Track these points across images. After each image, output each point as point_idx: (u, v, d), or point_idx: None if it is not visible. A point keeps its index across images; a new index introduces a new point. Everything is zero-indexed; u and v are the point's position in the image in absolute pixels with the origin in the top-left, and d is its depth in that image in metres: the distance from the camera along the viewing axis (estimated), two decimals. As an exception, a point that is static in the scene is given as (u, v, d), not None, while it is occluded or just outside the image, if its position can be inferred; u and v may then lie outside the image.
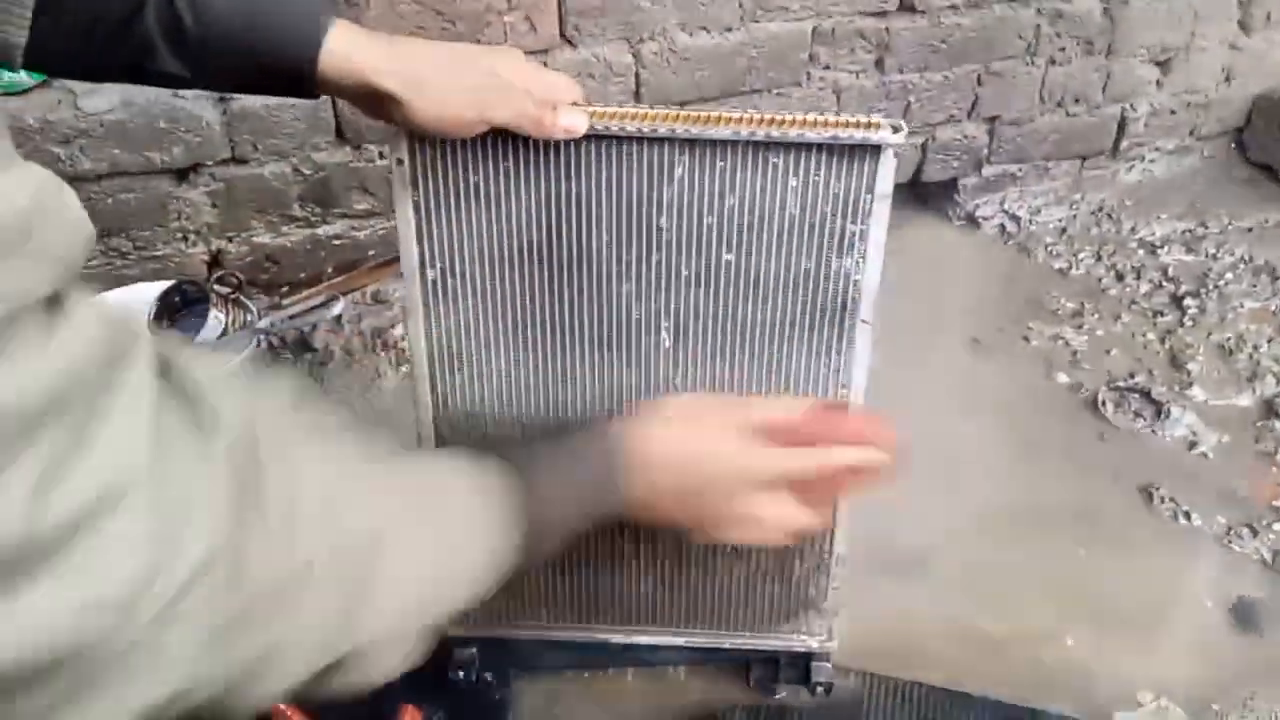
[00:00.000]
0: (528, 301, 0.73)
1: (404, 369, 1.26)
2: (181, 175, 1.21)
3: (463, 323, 0.74)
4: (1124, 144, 1.64)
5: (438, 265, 0.72)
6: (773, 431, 0.63)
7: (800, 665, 0.88)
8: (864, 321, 0.72)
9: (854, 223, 0.69)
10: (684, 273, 0.71)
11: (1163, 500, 1.13)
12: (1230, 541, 1.09)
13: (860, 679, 0.92)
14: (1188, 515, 1.12)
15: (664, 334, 0.73)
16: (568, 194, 0.69)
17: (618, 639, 0.86)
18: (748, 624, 0.85)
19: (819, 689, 0.87)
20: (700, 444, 0.62)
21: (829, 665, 0.87)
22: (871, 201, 0.68)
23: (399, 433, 1.15)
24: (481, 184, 0.69)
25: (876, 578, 1.02)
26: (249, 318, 1.16)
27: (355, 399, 1.22)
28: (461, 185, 0.69)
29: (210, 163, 1.21)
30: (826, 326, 0.73)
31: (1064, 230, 1.59)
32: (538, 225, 0.70)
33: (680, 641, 0.86)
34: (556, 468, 0.59)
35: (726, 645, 0.86)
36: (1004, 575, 1.04)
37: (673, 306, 0.72)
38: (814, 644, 0.86)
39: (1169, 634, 1.00)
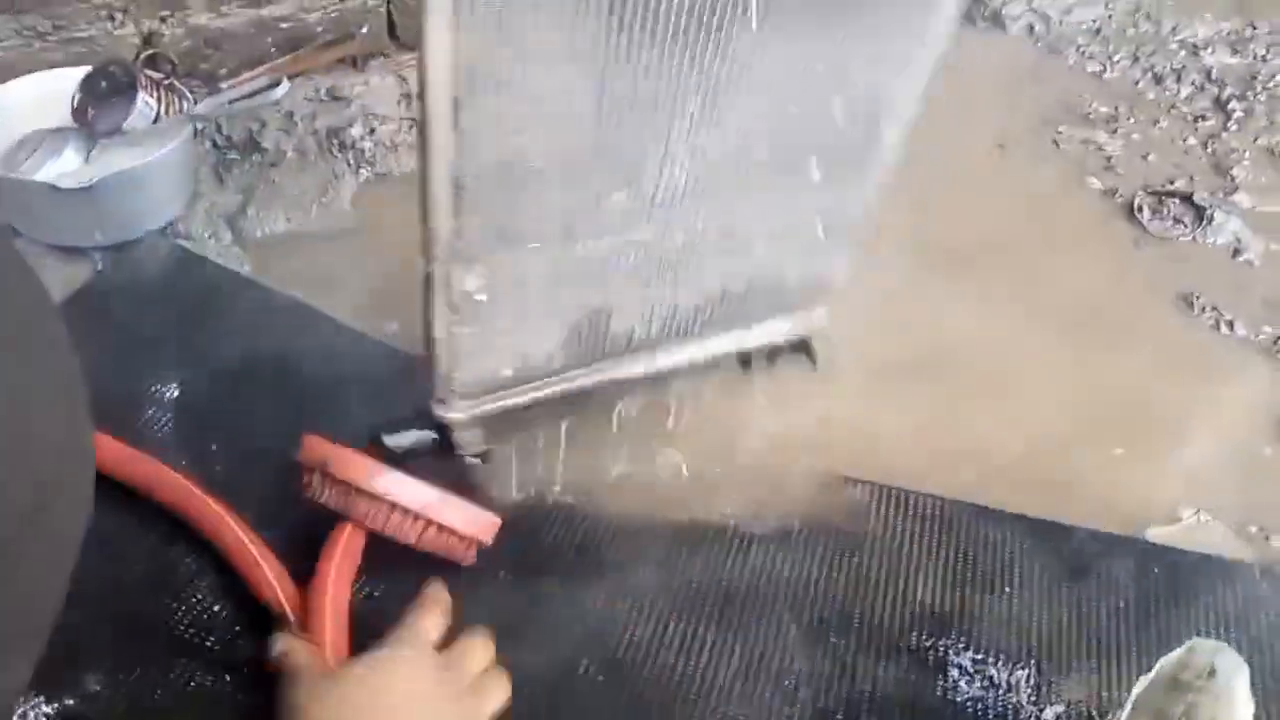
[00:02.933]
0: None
1: (364, 173, 1.13)
2: (103, -58, 1.06)
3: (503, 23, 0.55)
4: (1167, -65, 1.48)
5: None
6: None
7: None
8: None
9: None
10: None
11: (1204, 310, 1.03)
12: (1277, 352, 0.99)
13: (870, 491, 0.83)
14: (1231, 325, 1.01)
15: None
16: None
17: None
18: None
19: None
20: None
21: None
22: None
23: (360, 248, 1.04)
24: None
25: (894, 383, 0.92)
26: (184, 104, 1.03)
27: (311, 205, 1.09)
28: None
29: (136, -73, 1.05)
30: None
31: (1098, 30, 1.44)
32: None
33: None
34: None
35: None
36: (1031, 385, 0.94)
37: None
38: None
39: (1211, 448, 0.90)
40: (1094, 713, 0.70)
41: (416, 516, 0.70)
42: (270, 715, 0.62)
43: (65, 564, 0.31)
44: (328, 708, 0.59)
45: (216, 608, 0.71)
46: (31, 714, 0.64)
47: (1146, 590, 0.77)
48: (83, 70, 1.03)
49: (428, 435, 0.75)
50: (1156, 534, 0.83)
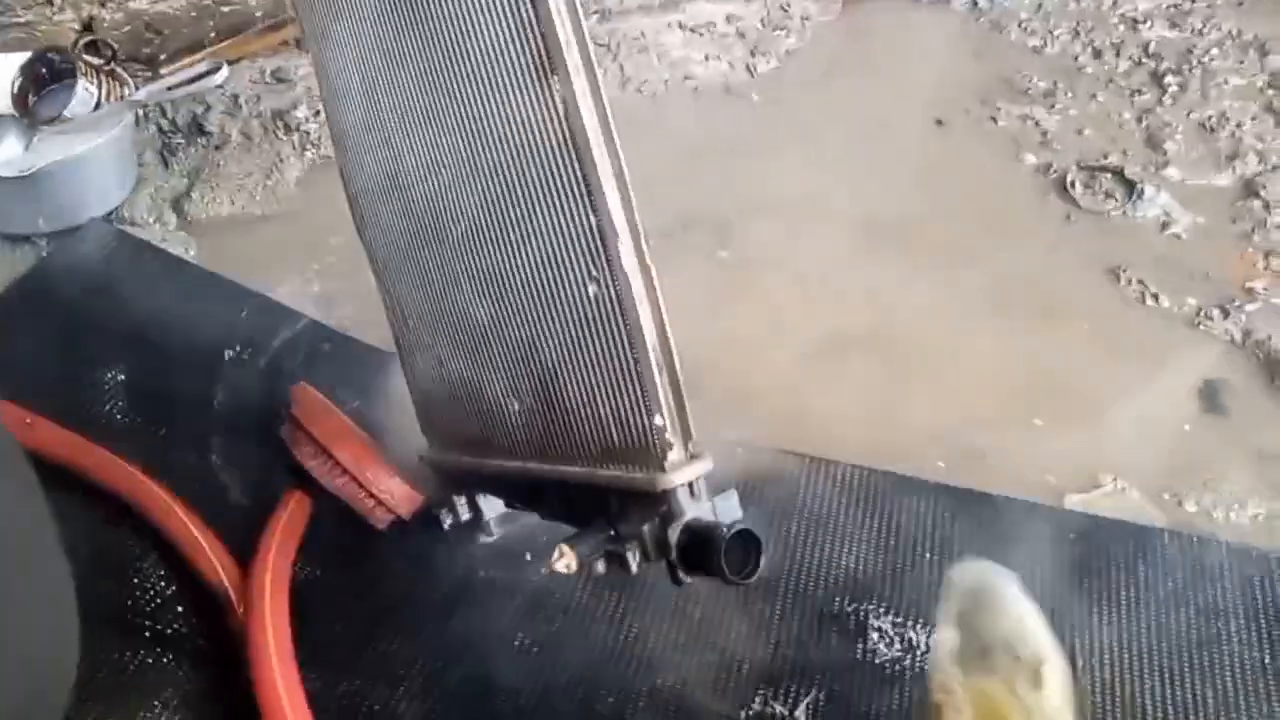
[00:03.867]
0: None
1: (309, 155, 1.14)
2: (41, -73, 1.06)
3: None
4: (1108, -90, 1.49)
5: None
6: None
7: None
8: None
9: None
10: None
11: (1130, 282, 1.06)
12: (1200, 324, 1.02)
13: (800, 462, 0.85)
14: (1156, 297, 1.04)
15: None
16: None
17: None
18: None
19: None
20: None
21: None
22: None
23: (305, 229, 1.05)
24: None
25: (826, 357, 0.95)
26: (125, 90, 1.03)
27: (256, 188, 1.10)
28: None
29: (72, -88, 1.05)
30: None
31: (1040, 5, 1.46)
32: None
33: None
34: None
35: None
36: (963, 357, 0.97)
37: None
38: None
39: (1133, 417, 0.93)
40: (1007, 672, 0.73)
41: (345, 470, 0.75)
42: (212, 696, 0.65)
43: None
44: None
45: (160, 587, 0.73)
46: (-23, 694, 0.66)
47: (1060, 556, 0.80)
48: (21, 57, 1.03)
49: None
50: (1075, 501, 0.86)
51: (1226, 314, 1.02)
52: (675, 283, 0.97)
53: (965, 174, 1.19)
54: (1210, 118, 1.26)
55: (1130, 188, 1.16)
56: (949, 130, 1.25)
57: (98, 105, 1.02)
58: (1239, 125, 1.24)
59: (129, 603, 0.72)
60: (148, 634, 0.70)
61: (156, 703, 0.67)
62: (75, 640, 0.33)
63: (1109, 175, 1.18)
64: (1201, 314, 1.02)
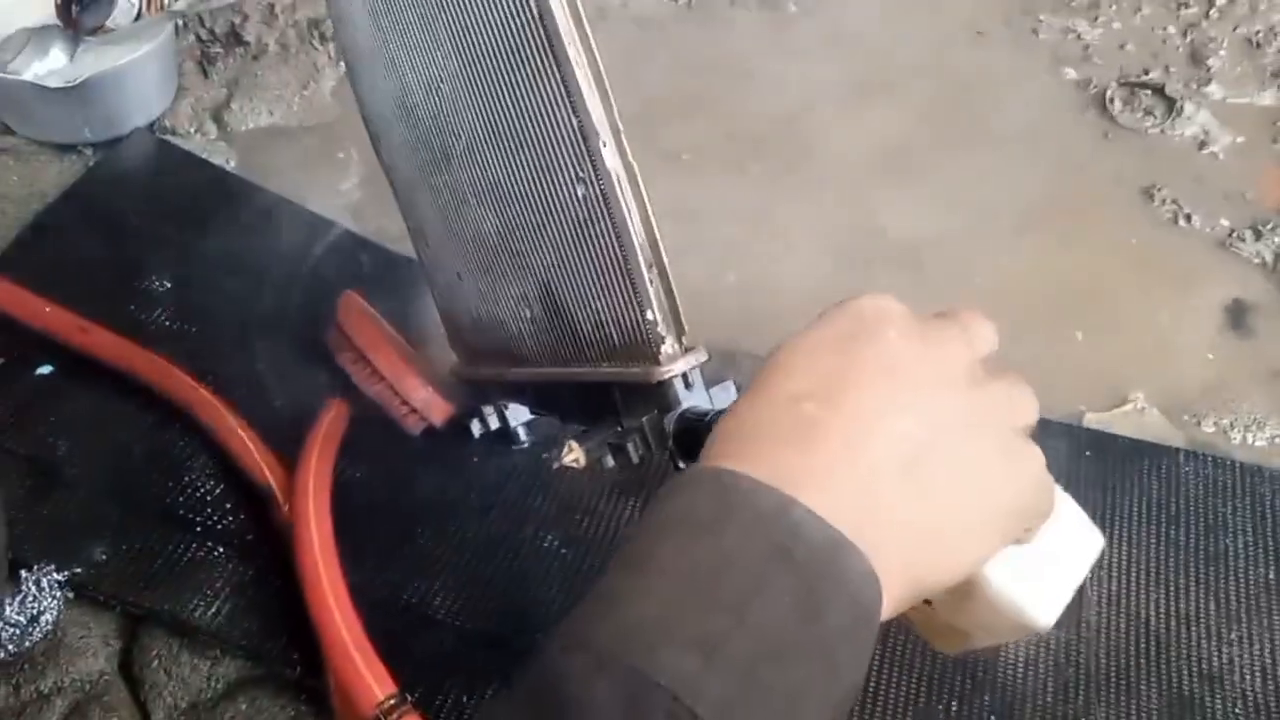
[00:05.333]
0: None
1: (344, 65, 1.15)
2: None
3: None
4: None
5: None
6: None
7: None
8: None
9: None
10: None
11: (1164, 202, 1.05)
12: (1231, 245, 1.02)
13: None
14: (1189, 218, 1.04)
15: None
16: None
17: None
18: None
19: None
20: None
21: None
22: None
23: (342, 140, 1.07)
24: None
25: (864, 271, 0.96)
26: (165, 0, 1.04)
27: (293, 98, 1.12)
28: None
29: None
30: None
31: (1089, -89, 1.42)
32: None
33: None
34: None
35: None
36: (990, 274, 0.98)
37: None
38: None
39: (1160, 336, 0.94)
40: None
41: (382, 378, 0.78)
42: (258, 586, 0.69)
43: None
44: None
45: (210, 485, 0.78)
46: (44, 581, 0.71)
47: (1076, 472, 0.82)
48: (64, -34, 1.04)
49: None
50: (1093, 419, 0.88)
51: (1259, 235, 1.02)
52: (706, 196, 1.00)
53: (1003, 87, 1.17)
54: (1258, 32, 1.23)
55: (1170, 105, 1.14)
56: (989, 41, 1.23)
57: (138, 15, 1.03)
58: (1287, 41, 1.21)
59: (181, 499, 0.76)
60: (199, 528, 0.75)
61: (209, 590, 0.71)
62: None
63: (1149, 92, 1.16)
64: (1233, 235, 1.02)
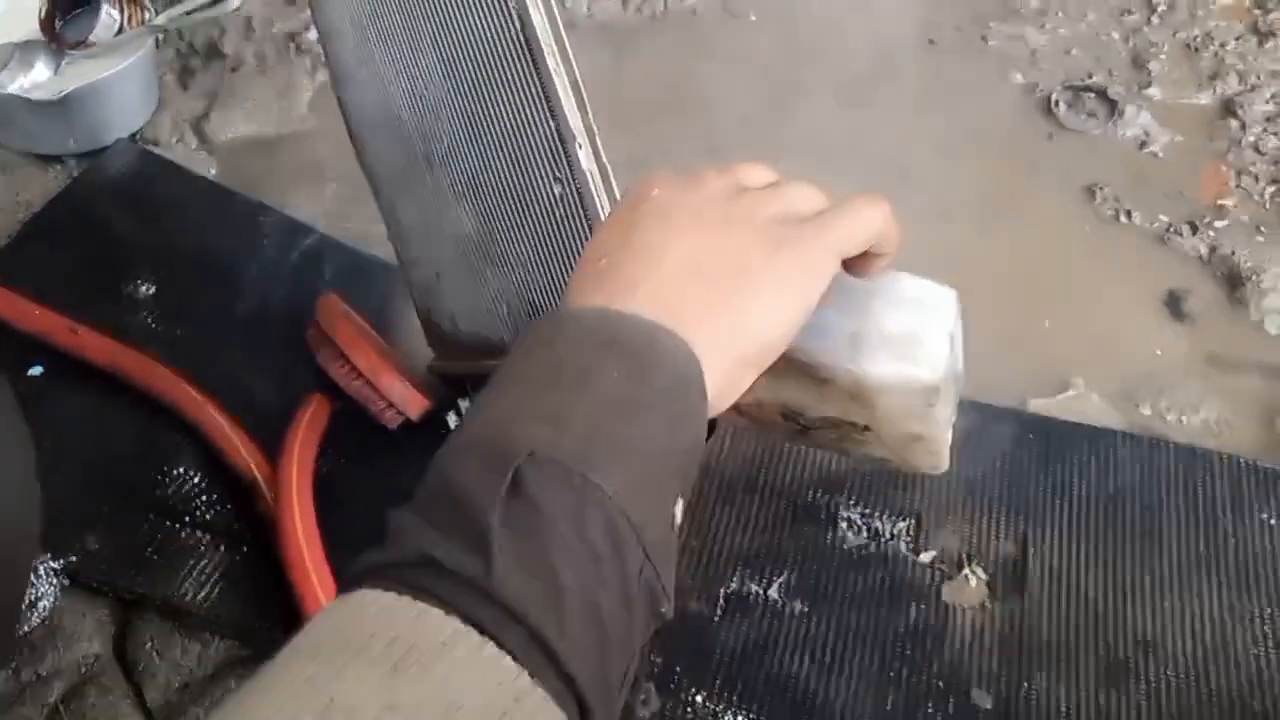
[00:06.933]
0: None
1: (320, 76, 1.19)
2: None
3: None
4: None
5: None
6: None
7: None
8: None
9: None
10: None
11: (1105, 200, 1.10)
12: (1169, 239, 1.07)
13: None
14: (1129, 214, 1.09)
15: None
16: None
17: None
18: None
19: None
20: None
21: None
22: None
23: (319, 149, 1.11)
24: None
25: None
26: (145, 14, 1.08)
27: (271, 108, 1.16)
28: None
29: None
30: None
31: (1037, -77, 1.47)
32: None
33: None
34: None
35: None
36: (946, 266, 1.01)
37: None
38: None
39: (1101, 326, 1.00)
40: (962, 556, 0.81)
41: (360, 374, 0.82)
42: (245, 571, 0.73)
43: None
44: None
45: (197, 478, 0.81)
46: (41, 569, 0.74)
47: (1020, 455, 0.87)
48: (48, -18, 1.08)
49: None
50: (1037, 405, 0.93)
51: (1195, 230, 1.07)
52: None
53: (952, 94, 1.23)
54: (1196, 37, 1.29)
55: (1112, 107, 1.20)
56: (940, 50, 1.29)
57: (120, 30, 1.07)
58: (1223, 45, 1.27)
59: (170, 490, 0.80)
60: (187, 518, 0.79)
61: (199, 576, 0.75)
62: (37, 504, 0.41)
63: (1092, 95, 1.22)
64: (1171, 230, 1.08)
